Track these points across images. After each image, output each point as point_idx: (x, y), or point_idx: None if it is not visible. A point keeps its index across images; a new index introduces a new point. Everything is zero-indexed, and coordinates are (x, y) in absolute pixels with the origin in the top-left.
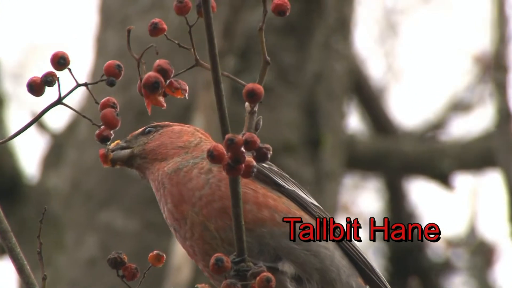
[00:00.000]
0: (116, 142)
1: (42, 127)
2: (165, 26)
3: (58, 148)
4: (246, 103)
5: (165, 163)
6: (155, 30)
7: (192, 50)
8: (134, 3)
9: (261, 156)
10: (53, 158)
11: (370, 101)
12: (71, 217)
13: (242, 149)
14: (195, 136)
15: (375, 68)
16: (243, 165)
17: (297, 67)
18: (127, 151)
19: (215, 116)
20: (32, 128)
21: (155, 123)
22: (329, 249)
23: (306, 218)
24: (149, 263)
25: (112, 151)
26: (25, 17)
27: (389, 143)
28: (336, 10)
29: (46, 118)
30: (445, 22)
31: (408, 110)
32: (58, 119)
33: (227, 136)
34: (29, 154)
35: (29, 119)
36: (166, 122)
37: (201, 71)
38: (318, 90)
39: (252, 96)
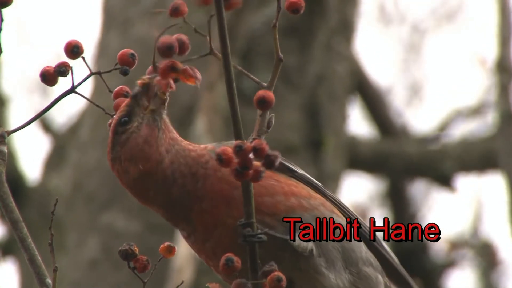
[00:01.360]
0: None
1: (45, 128)
2: (186, 9)
3: (60, 150)
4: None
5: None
6: (175, 11)
7: (208, 38)
8: (136, 5)
9: (268, 164)
10: (55, 159)
11: (373, 103)
12: (73, 219)
13: (251, 155)
14: None
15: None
16: (251, 171)
17: (299, 69)
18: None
19: (217, 118)
20: (35, 129)
21: None
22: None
23: (325, 201)
24: (159, 256)
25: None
26: (26, 19)
27: (391, 145)
28: (338, 11)
29: (49, 119)
30: (447, 28)
31: (413, 114)
32: (60, 120)
33: (235, 143)
34: (31, 155)
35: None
36: None
37: (204, 73)
38: (320, 92)
39: (263, 104)
